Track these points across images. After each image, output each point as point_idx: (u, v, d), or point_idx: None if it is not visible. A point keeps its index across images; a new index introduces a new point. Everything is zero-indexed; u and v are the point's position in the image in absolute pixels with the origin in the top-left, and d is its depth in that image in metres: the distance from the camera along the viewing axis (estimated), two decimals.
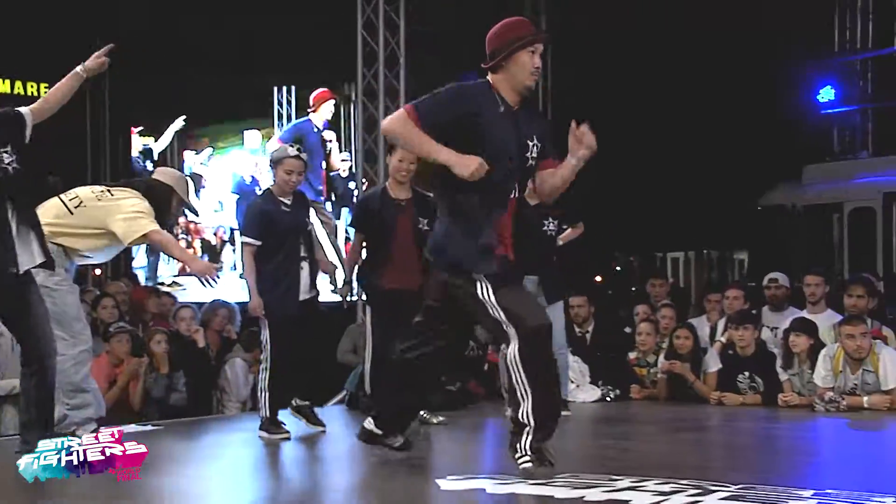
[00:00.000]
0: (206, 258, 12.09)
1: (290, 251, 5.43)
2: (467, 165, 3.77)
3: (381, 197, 5.93)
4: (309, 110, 10.46)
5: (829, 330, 6.80)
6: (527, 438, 3.89)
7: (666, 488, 3.54)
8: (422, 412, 5.83)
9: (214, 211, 12.47)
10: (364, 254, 5.99)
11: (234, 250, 11.93)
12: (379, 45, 8.85)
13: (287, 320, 5.38)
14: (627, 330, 7.70)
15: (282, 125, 12.04)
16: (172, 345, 6.68)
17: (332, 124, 11.64)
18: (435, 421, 5.87)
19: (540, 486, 3.67)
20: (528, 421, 3.87)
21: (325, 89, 10.60)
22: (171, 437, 5.62)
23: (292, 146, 5.70)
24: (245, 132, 12.53)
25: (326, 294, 7.43)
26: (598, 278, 9.04)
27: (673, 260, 13.28)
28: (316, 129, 8.82)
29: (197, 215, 5.44)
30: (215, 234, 12.33)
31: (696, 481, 3.66)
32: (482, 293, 3.89)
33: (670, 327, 7.39)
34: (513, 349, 3.86)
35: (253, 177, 12.16)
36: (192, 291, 10.45)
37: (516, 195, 3.98)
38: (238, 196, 12.06)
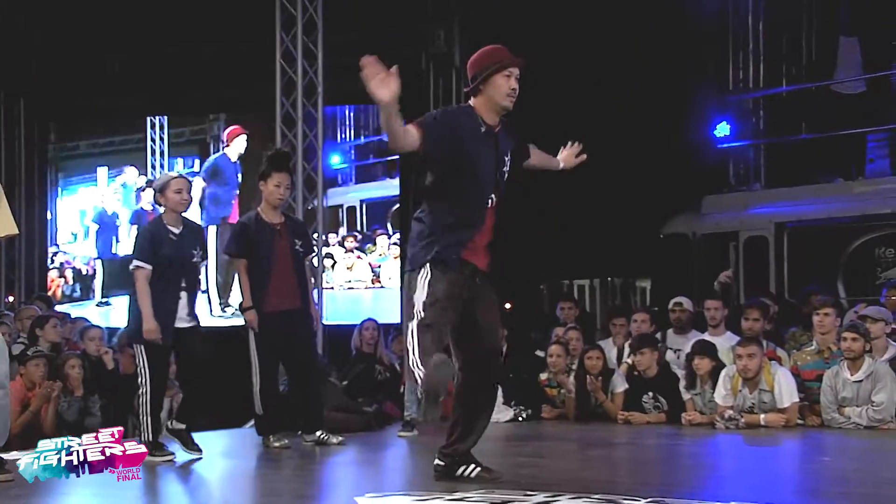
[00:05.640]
0: (78, 287, 11.97)
1: (169, 280, 5.36)
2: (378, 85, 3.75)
3: (256, 222, 5.93)
4: (222, 145, 10.67)
5: (728, 351, 7.01)
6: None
7: (578, 503, 3.57)
8: (319, 433, 5.90)
9: (69, 242, 12.30)
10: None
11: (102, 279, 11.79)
12: (297, 74, 8.89)
13: (163, 348, 5.34)
14: (539, 353, 7.88)
15: (154, 160, 11.79)
16: (87, 368, 6.59)
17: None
18: (335, 441, 5.88)
19: (457, 501, 3.68)
20: None
21: (237, 126, 10.71)
22: None
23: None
24: (98, 168, 12.20)
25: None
26: (508, 305, 9.20)
27: (579, 287, 13.51)
28: (232, 162, 9.00)
29: None
30: (87, 265, 12.16)
31: (607, 496, 3.71)
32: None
33: (578, 349, 7.62)
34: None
35: (115, 211, 11.98)
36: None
37: (493, 205, 4.20)
38: (98, 226, 11.87)
